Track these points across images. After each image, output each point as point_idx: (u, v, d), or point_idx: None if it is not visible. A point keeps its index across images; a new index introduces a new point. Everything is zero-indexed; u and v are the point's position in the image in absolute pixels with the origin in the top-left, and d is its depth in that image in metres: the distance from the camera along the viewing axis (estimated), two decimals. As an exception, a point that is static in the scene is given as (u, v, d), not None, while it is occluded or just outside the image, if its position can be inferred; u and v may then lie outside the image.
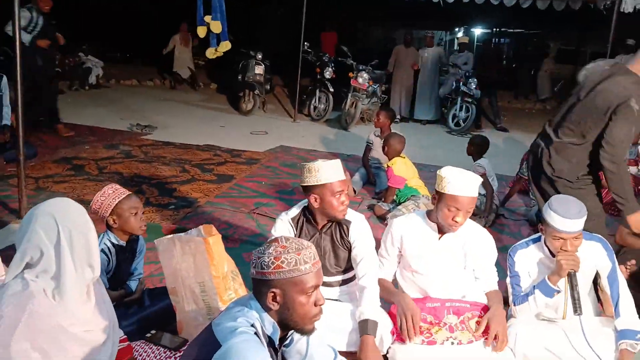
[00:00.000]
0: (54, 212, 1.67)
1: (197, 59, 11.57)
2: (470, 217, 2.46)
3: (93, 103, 6.95)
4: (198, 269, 2.25)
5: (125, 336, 1.99)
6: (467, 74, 8.88)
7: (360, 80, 8.41)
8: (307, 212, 2.51)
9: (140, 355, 2.11)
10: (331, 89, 8.86)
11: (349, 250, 2.50)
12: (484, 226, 3.88)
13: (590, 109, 2.74)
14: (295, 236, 2.44)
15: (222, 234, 2.49)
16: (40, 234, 1.64)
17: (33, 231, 1.65)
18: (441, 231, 2.48)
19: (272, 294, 1.56)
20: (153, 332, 2.25)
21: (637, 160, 5.20)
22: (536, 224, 3.29)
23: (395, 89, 9.67)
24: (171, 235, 2.36)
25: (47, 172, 5.06)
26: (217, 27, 6.08)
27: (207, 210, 4.39)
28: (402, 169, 4.54)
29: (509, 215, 4.74)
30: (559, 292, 2.33)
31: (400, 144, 4.66)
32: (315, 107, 9.17)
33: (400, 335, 2.34)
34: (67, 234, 1.66)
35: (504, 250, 2.74)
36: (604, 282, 2.43)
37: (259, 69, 9.01)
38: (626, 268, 3.00)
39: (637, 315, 2.34)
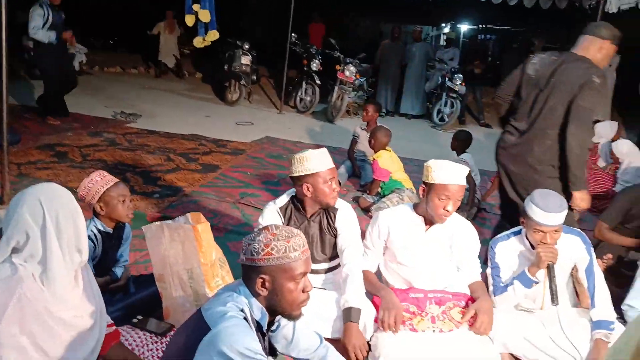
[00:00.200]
0: (40, 196, 1.67)
1: (183, 47, 11.45)
2: (454, 211, 2.51)
3: (76, 90, 6.84)
4: (186, 255, 2.26)
5: (112, 321, 2.00)
6: (452, 70, 8.95)
7: (347, 73, 8.41)
8: (296, 200, 2.54)
9: (127, 340, 2.11)
10: (318, 81, 8.82)
11: (335, 237, 2.54)
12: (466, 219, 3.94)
13: (557, 96, 2.84)
14: (283, 224, 2.47)
15: (207, 222, 2.50)
16: (27, 217, 1.64)
17: (19, 215, 1.65)
18: (428, 223, 2.53)
19: (261, 280, 1.59)
20: (139, 317, 2.26)
21: (614, 158, 5.31)
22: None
23: (381, 82, 9.69)
24: (159, 222, 2.37)
25: (30, 158, 5.00)
26: (205, 16, 6.04)
27: (192, 199, 4.39)
28: (388, 162, 4.59)
29: (490, 209, 4.82)
30: (537, 283, 2.40)
31: (386, 137, 4.72)
32: (301, 99, 9.14)
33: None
34: (54, 218, 1.66)
35: (485, 243, 2.80)
36: (581, 274, 2.50)
37: (246, 59, 8.93)
38: (603, 261, 3.10)
39: (612, 307, 2.41)
